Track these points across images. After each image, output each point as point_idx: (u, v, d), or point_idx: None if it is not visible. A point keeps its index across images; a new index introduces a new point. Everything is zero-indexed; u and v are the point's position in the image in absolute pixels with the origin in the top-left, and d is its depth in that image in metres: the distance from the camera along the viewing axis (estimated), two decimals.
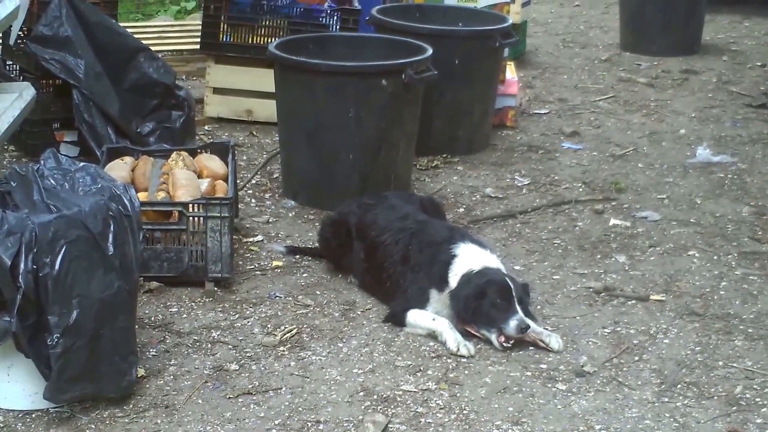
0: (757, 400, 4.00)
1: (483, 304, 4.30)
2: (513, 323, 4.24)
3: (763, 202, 5.94)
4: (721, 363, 4.26)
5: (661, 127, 7.26)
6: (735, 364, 4.25)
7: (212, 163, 5.31)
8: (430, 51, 5.83)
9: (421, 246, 4.59)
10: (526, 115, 7.45)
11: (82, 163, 4.18)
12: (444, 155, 6.50)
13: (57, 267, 3.66)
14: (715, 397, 4.01)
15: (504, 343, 4.28)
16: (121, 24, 6.78)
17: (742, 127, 7.27)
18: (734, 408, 3.94)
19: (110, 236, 3.80)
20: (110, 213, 3.82)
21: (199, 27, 7.17)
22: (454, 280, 4.41)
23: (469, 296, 4.32)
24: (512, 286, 4.32)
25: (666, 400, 3.99)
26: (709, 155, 6.60)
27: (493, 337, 4.30)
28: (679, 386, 4.08)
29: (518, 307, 4.27)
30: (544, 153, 6.71)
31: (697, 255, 5.25)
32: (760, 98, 7.83)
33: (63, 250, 3.67)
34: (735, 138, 7.04)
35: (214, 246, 4.70)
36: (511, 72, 7.15)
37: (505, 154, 6.68)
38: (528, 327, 4.26)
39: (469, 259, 4.44)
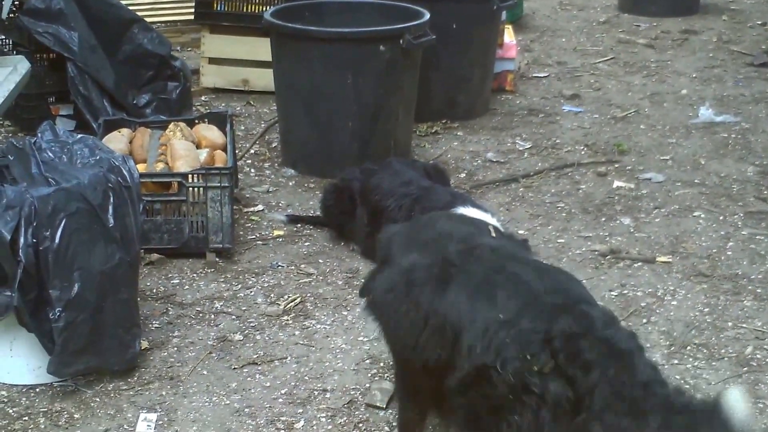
0: None
1: None
2: None
3: None
4: (730, 324, 4.22)
5: (662, 88, 7.20)
6: (744, 325, 4.21)
7: (210, 133, 5.25)
8: (427, 15, 5.76)
9: (423, 211, 4.54)
10: (525, 78, 7.38)
11: (79, 135, 4.13)
12: (443, 121, 6.44)
13: (57, 240, 3.62)
14: (726, 358, 3.98)
15: None
16: None
17: (745, 87, 7.20)
18: (745, 369, 3.91)
19: (110, 208, 3.76)
20: (109, 185, 3.77)
21: None
22: None
23: None
24: None
25: (676, 361, 3.95)
26: (712, 115, 6.54)
27: None
28: (688, 348, 4.04)
29: None
30: (545, 116, 6.65)
31: (702, 216, 5.20)
32: (761, 57, 7.75)
33: (63, 223, 3.63)
34: (738, 97, 6.97)
35: (215, 216, 4.65)
36: (509, 36, 7.08)
37: (506, 118, 6.62)
38: None
39: None
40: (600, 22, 8.96)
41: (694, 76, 7.45)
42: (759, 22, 8.89)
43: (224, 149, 5.14)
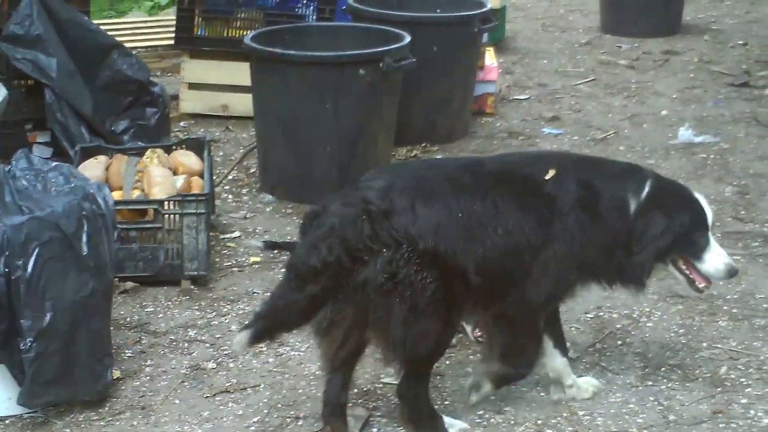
0: (742, 380, 3.97)
1: None
2: None
3: (745, 182, 5.89)
4: (705, 344, 4.23)
5: (642, 109, 7.21)
6: (719, 345, 4.21)
7: (188, 159, 5.25)
8: (408, 38, 5.77)
9: None
10: (505, 101, 7.39)
11: (54, 163, 4.13)
12: (423, 144, 6.44)
13: (30, 270, 3.61)
14: (700, 379, 3.98)
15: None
16: (94, 21, 6.70)
17: (725, 107, 7.21)
18: (719, 389, 3.91)
19: (84, 236, 3.75)
20: (83, 213, 3.77)
21: (174, 22, 7.09)
22: None
23: None
24: None
25: (650, 383, 3.95)
26: (691, 136, 6.56)
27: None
28: (662, 369, 4.04)
29: None
30: (525, 139, 6.66)
31: None
32: (742, 77, 7.77)
33: (36, 252, 3.62)
34: (717, 118, 6.99)
35: (191, 243, 4.64)
36: (490, 58, 7.09)
37: (485, 141, 6.63)
38: None
39: None
40: (582, 44, 8.98)
41: (674, 96, 7.47)
42: (740, 42, 8.91)
43: (201, 175, 5.14)
